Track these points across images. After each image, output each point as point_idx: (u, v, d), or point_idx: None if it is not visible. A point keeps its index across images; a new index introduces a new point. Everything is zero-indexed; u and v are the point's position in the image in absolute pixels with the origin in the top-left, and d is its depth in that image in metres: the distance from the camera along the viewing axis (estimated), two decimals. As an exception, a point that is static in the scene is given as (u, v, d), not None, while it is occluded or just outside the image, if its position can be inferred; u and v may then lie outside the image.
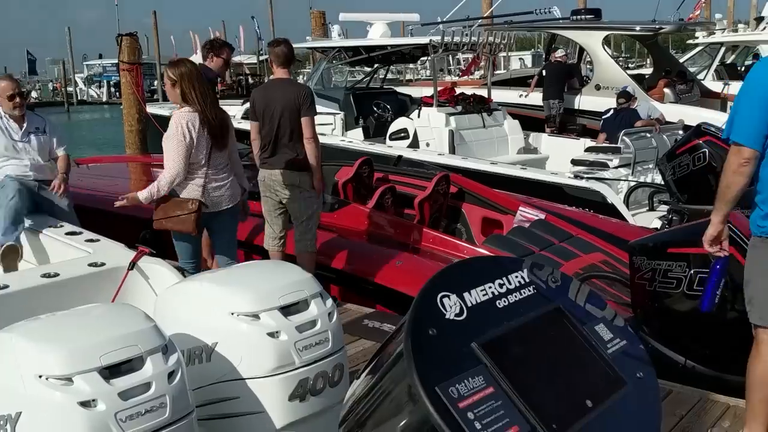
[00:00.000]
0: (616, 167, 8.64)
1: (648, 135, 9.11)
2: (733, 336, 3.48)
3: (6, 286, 2.99)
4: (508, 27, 12.06)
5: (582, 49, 12.72)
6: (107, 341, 2.08)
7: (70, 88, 52.60)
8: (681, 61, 15.40)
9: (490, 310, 1.68)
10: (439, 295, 1.64)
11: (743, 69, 16.47)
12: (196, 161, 4.25)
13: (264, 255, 5.44)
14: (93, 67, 58.46)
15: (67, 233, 3.98)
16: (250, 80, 37.27)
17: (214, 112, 4.32)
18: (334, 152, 8.59)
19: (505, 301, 1.72)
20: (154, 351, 2.13)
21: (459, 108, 10.22)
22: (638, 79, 12.17)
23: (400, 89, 12.42)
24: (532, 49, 39.66)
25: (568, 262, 5.46)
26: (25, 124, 5.02)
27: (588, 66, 13.28)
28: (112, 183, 7.44)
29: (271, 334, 2.48)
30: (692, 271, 3.70)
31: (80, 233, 3.95)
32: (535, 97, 12.08)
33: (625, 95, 10.14)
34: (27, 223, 4.59)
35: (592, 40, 11.79)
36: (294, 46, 5.45)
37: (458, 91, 11.14)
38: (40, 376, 1.98)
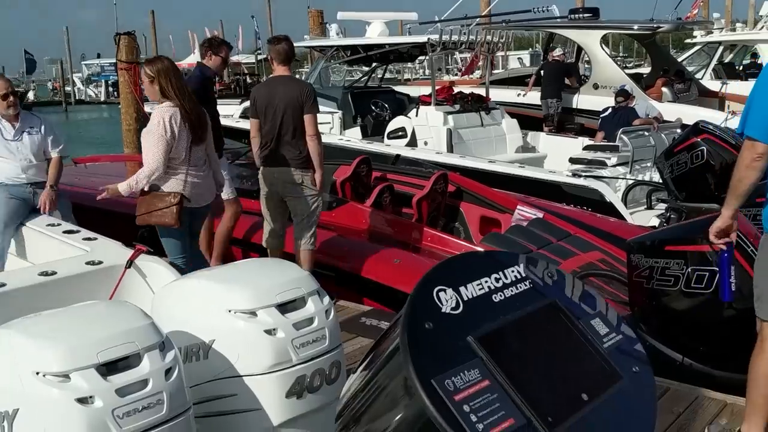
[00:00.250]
0: (614, 166, 8.65)
1: (646, 133, 9.12)
2: (731, 334, 3.49)
3: (3, 284, 2.99)
4: (506, 26, 12.06)
5: (580, 48, 12.73)
6: (104, 338, 2.08)
7: (68, 88, 52.56)
8: (679, 60, 15.42)
9: (486, 305, 1.69)
10: (436, 289, 1.64)
11: (741, 68, 16.50)
12: (177, 156, 4.31)
13: (261, 253, 5.45)
14: (91, 67, 58.43)
15: (64, 231, 3.98)
16: (248, 80, 37.27)
17: (192, 106, 4.40)
18: (332, 151, 8.57)
19: (501, 296, 1.73)
20: (151, 348, 2.13)
21: (457, 107, 10.23)
22: (636, 78, 12.17)
23: (398, 88, 12.42)
24: (530, 49, 39.68)
25: (566, 260, 5.47)
26: (18, 124, 4.87)
27: (586, 65, 13.29)
28: (110, 182, 7.42)
29: (269, 332, 2.49)
30: (690, 269, 3.70)
31: (77, 231, 3.94)
32: (533, 96, 12.08)
33: (623, 94, 10.16)
34: (24, 222, 4.57)
35: (590, 39, 11.79)
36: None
37: (456, 90, 11.15)
38: (38, 373, 1.98)
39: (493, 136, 10.31)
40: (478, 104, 10.45)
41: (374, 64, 12.16)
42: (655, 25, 11.96)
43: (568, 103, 11.76)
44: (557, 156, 9.84)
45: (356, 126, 10.43)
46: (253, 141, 5.30)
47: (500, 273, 1.77)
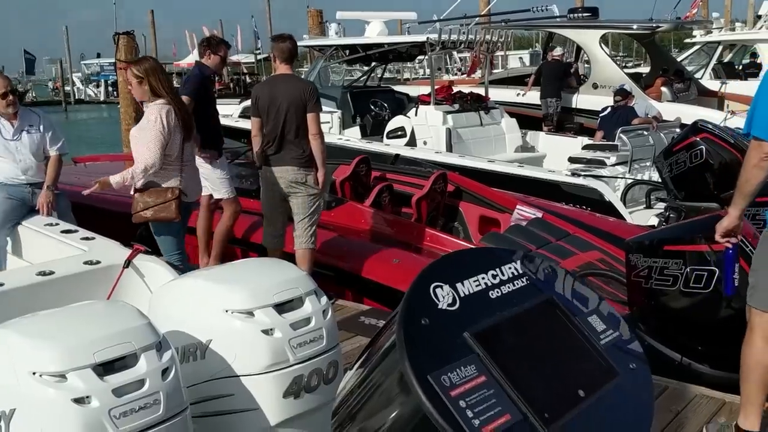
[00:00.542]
0: (614, 165, 8.64)
1: (645, 133, 9.12)
2: (729, 333, 3.49)
3: (1, 284, 2.98)
4: (505, 25, 12.06)
5: (579, 48, 12.73)
6: (101, 338, 2.07)
7: (67, 88, 52.56)
8: (679, 59, 15.42)
9: (483, 301, 1.69)
10: (432, 285, 1.64)
11: (740, 68, 16.50)
12: (171, 152, 4.39)
13: (261, 252, 5.44)
14: (90, 67, 58.45)
15: (62, 231, 3.97)
16: (248, 79, 37.30)
17: (182, 104, 4.52)
18: (331, 151, 8.55)
19: (498, 292, 1.73)
20: (148, 348, 2.12)
21: (456, 106, 10.24)
22: (635, 77, 12.18)
23: (397, 88, 12.43)
24: (530, 48, 39.68)
25: (565, 260, 5.46)
26: (17, 122, 4.78)
27: (585, 64, 13.29)
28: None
29: (266, 332, 2.48)
30: (688, 269, 3.70)
31: (75, 231, 3.93)
32: (533, 96, 12.09)
33: (621, 93, 10.16)
34: (22, 221, 4.56)
35: (589, 39, 11.79)
36: (292, 44, 5.43)
37: (455, 89, 11.15)
38: (34, 373, 1.97)
39: (492, 136, 10.31)
40: (477, 104, 10.45)
41: (373, 64, 12.16)
42: (654, 25, 11.96)
43: (568, 102, 11.77)
44: (556, 155, 9.85)
45: (355, 125, 10.43)
46: (254, 140, 5.28)
47: (497, 269, 1.76)
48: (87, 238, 3.74)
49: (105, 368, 2.02)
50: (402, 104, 10.97)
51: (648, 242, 4.03)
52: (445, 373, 1.49)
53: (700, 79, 13.87)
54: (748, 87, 3.17)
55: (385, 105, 10.88)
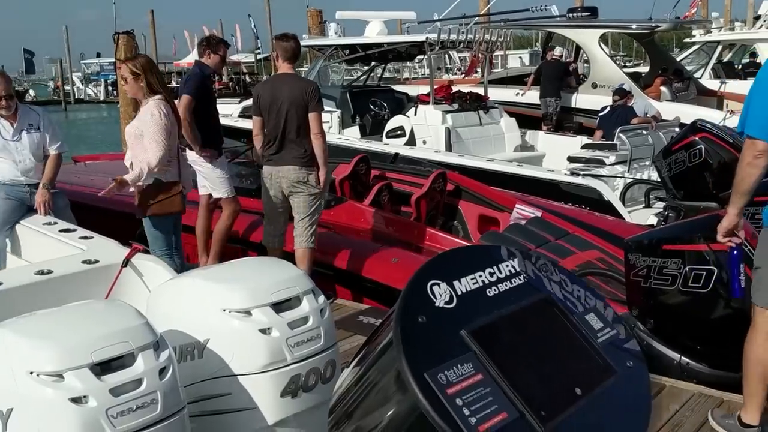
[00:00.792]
0: (613, 164, 8.64)
1: (644, 132, 9.12)
2: (728, 333, 3.49)
3: (0, 283, 2.98)
4: (504, 25, 12.06)
5: (579, 48, 12.73)
6: (98, 338, 2.07)
7: (67, 87, 52.54)
8: (678, 59, 15.42)
9: (480, 299, 1.69)
10: (429, 283, 1.64)
11: (740, 67, 16.50)
12: (171, 147, 4.54)
13: (261, 252, 5.44)
14: (90, 66, 58.43)
15: (60, 230, 3.97)
16: (248, 79, 37.30)
17: (172, 99, 4.68)
18: (331, 150, 8.56)
19: (495, 290, 1.72)
20: (145, 347, 2.11)
21: (455, 106, 10.24)
22: (635, 77, 12.19)
23: (397, 87, 12.42)
24: (530, 48, 39.68)
25: (565, 259, 5.46)
26: (17, 123, 4.73)
27: (585, 64, 13.29)
28: (109, 180, 7.42)
29: (263, 331, 2.47)
30: (687, 268, 3.70)
31: (74, 230, 3.93)
32: (532, 96, 12.09)
33: (620, 92, 10.16)
34: (21, 220, 4.56)
35: (588, 39, 11.80)
36: (292, 44, 5.43)
37: (455, 89, 11.15)
38: (32, 373, 1.97)
39: (491, 135, 10.31)
40: (476, 103, 10.45)
41: (373, 63, 12.16)
42: (653, 24, 11.97)
43: (567, 102, 11.77)
44: (555, 155, 9.85)
45: (355, 125, 10.43)
46: (255, 139, 5.27)
47: (494, 267, 1.76)
48: (85, 237, 3.74)
49: (102, 368, 2.02)
50: (401, 104, 10.97)
51: (647, 241, 4.03)
52: (441, 371, 1.48)
53: (700, 78, 13.87)
54: (748, 87, 3.18)
55: (385, 104, 10.88)
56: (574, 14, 12.52)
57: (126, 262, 3.27)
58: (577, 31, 12.11)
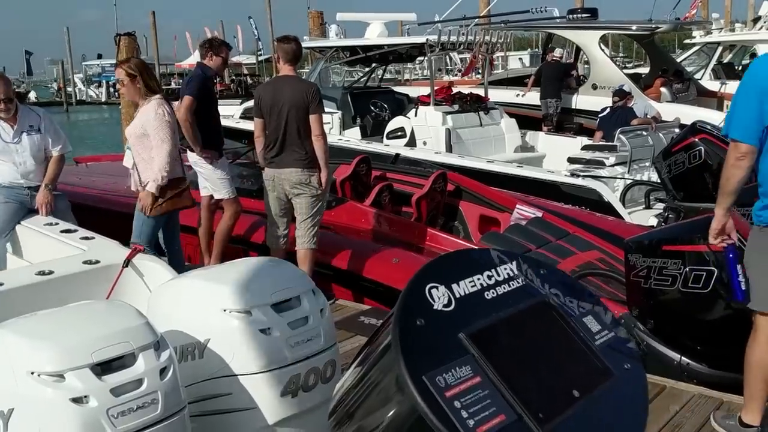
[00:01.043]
0: (613, 165, 8.65)
1: (644, 133, 9.13)
2: (728, 333, 3.49)
3: (1, 284, 2.99)
4: (504, 26, 12.08)
5: (579, 49, 12.74)
6: (99, 338, 2.08)
7: (69, 89, 52.55)
8: (679, 60, 15.42)
9: (479, 302, 1.69)
10: (428, 286, 1.64)
11: (740, 68, 16.50)
12: (176, 144, 4.70)
13: (262, 252, 5.45)
14: (92, 68, 58.44)
15: (62, 231, 3.98)
16: (249, 80, 37.33)
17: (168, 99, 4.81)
18: (331, 151, 8.59)
19: (493, 293, 1.73)
20: (146, 347, 2.13)
21: (456, 107, 10.25)
22: (635, 78, 12.19)
23: (397, 88, 12.44)
24: (530, 49, 39.70)
25: (565, 259, 5.47)
26: (17, 125, 4.67)
27: (585, 65, 13.30)
28: (110, 182, 7.46)
29: (263, 331, 2.48)
30: (687, 269, 3.70)
31: (75, 231, 3.94)
32: (532, 97, 12.10)
33: (620, 93, 10.17)
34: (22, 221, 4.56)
35: (588, 40, 11.81)
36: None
37: (455, 90, 11.16)
38: (32, 373, 1.98)
39: (491, 136, 10.32)
40: (476, 104, 10.47)
41: (373, 65, 12.17)
42: (653, 26, 11.97)
43: (567, 103, 11.78)
44: (556, 156, 9.86)
45: (355, 126, 10.44)
46: (257, 141, 5.28)
47: (493, 270, 1.77)
48: (86, 238, 3.75)
49: (103, 368, 2.03)
50: (402, 105, 10.98)
51: (647, 242, 4.03)
52: (440, 373, 1.49)
53: (700, 79, 13.88)
54: (748, 87, 3.22)
55: (385, 106, 10.89)
56: (574, 15, 12.54)
57: (127, 263, 3.28)
58: (578, 33, 12.12)
